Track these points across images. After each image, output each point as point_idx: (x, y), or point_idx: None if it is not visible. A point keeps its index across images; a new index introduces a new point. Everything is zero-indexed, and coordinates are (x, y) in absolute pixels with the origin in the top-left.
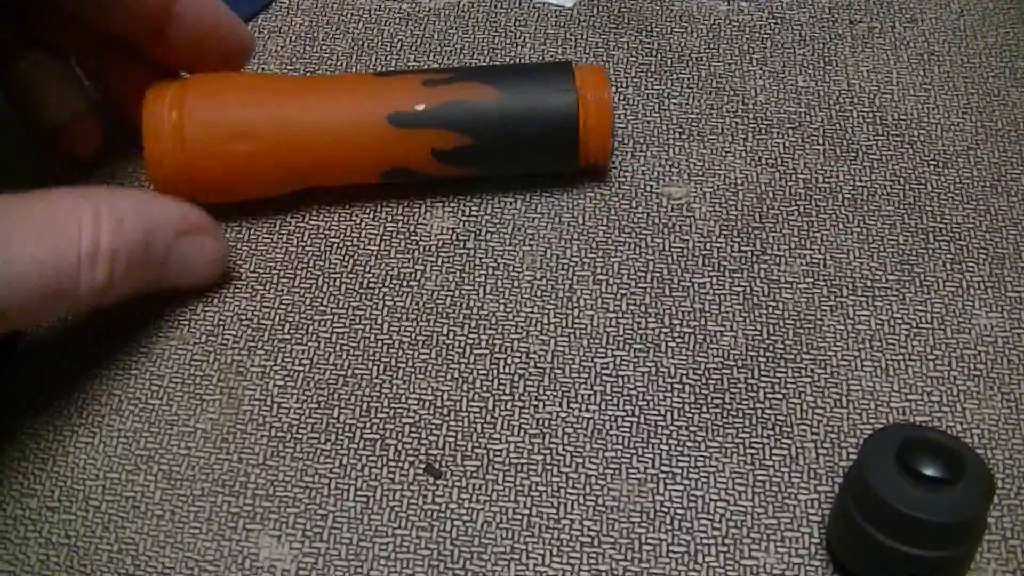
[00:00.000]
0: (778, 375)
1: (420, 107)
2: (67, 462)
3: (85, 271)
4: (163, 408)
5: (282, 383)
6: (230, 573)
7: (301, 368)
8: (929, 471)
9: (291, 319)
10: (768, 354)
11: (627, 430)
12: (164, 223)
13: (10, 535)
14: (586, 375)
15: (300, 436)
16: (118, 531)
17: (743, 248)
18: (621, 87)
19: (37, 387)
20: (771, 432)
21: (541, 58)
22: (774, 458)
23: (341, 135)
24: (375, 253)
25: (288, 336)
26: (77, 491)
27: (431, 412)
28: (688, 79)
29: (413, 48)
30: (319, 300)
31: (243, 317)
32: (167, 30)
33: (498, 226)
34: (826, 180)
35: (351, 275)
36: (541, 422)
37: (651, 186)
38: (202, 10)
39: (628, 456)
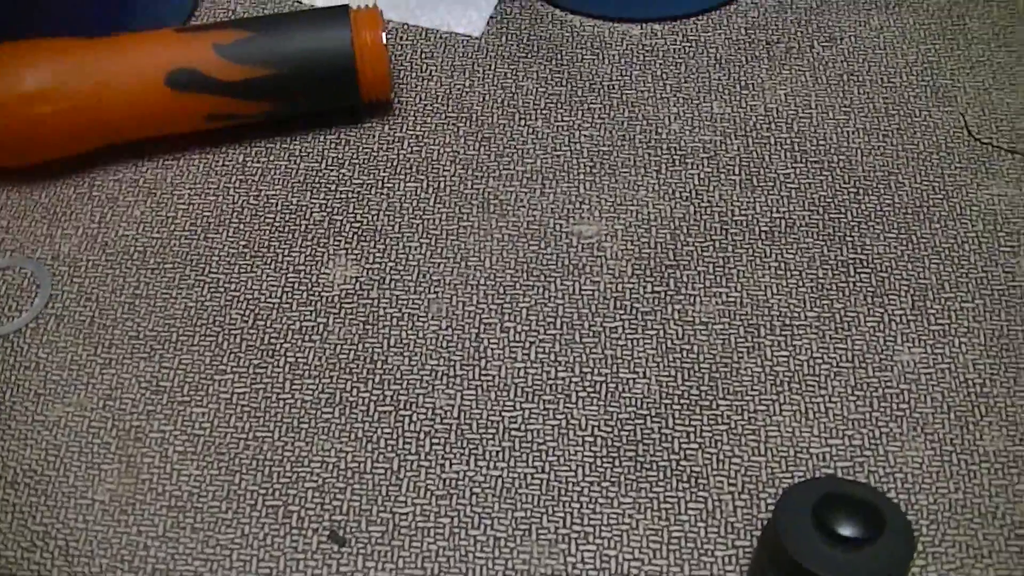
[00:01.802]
0: (693, 423)
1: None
2: None
3: None
4: (60, 480)
5: (182, 449)
6: None
7: (201, 432)
8: (846, 531)
9: (191, 380)
10: (682, 401)
11: (537, 488)
12: None
13: None
14: (494, 431)
15: (200, 505)
16: None
17: (656, 288)
18: (530, 120)
19: None
20: (686, 485)
21: (449, 92)
22: (690, 512)
23: (128, 44)
24: (277, 306)
25: (188, 398)
26: None
27: (335, 475)
28: (599, 108)
29: None
30: (219, 359)
31: (142, 379)
32: None
33: (403, 273)
34: (742, 212)
35: (252, 330)
36: (448, 482)
37: (561, 224)
38: None
39: (538, 516)
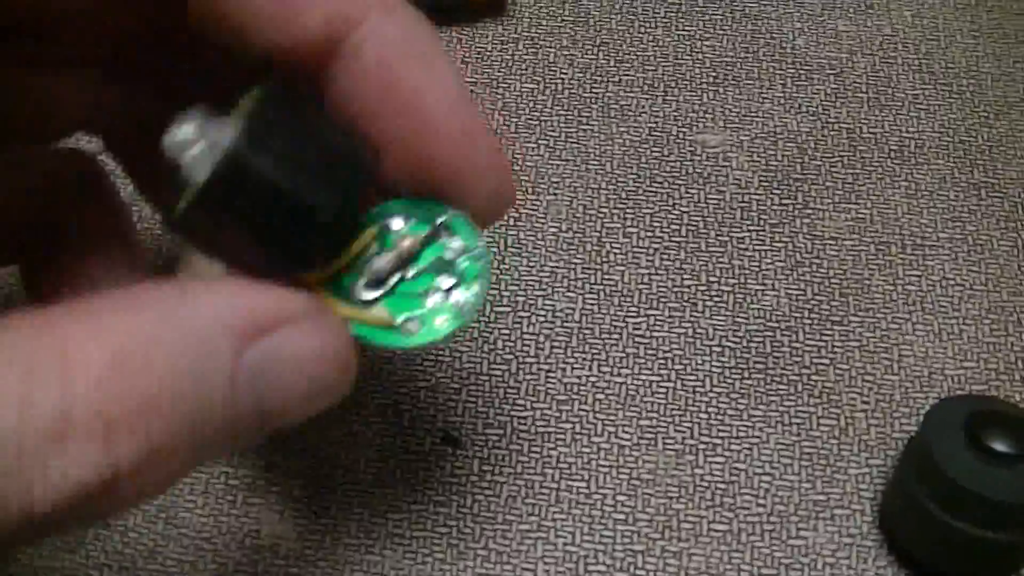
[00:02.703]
0: (824, 338)
1: None
2: None
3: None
4: None
5: None
6: (229, 552)
7: None
8: (1002, 447)
9: None
10: (813, 315)
11: (663, 397)
12: (206, 335)
13: None
14: (618, 336)
15: None
16: None
17: (784, 201)
18: (649, 27)
19: None
20: (818, 400)
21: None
22: (822, 429)
23: None
24: None
25: None
26: None
27: (448, 375)
28: (721, 20)
29: None
30: None
31: None
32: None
33: (520, 172)
34: (870, 131)
35: None
36: (569, 387)
37: (684, 133)
38: (398, 71)
39: (664, 425)
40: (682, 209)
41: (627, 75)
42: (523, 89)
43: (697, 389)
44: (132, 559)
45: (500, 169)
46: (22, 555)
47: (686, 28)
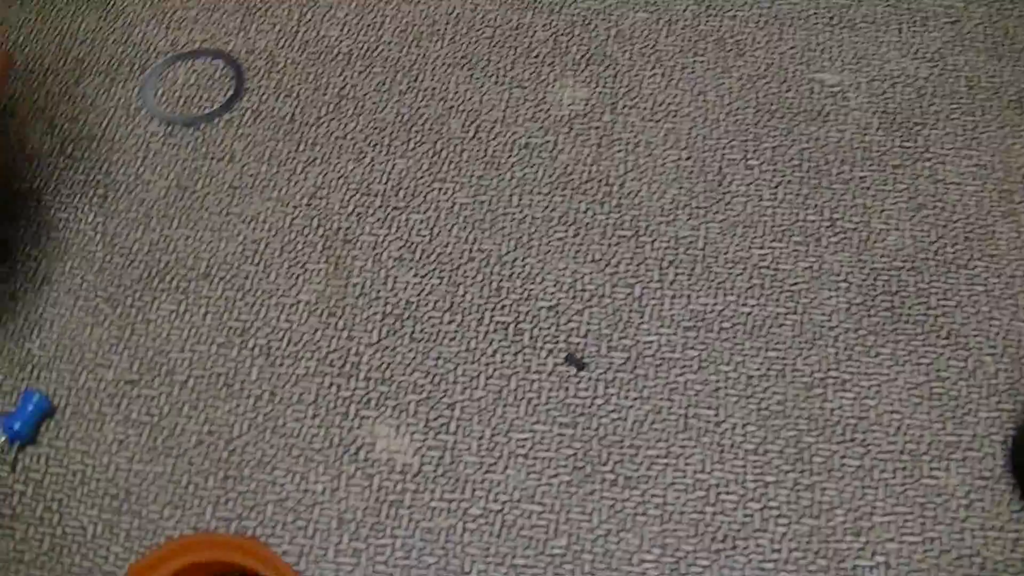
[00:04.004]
0: (950, 281)
1: None
2: (147, 331)
3: None
4: (260, 276)
5: (397, 255)
6: (342, 464)
7: (419, 239)
8: None
9: (406, 186)
10: (938, 257)
11: (790, 329)
12: None
13: (83, 409)
14: (742, 266)
15: (420, 315)
16: (208, 411)
17: (904, 143)
18: None
19: (112, 242)
20: (946, 342)
21: None
22: (950, 370)
23: None
24: (500, 120)
25: (403, 204)
26: (160, 364)
27: (570, 296)
28: None
29: None
30: (437, 167)
31: (350, 180)
32: None
33: (637, 100)
34: (989, 80)
35: (473, 142)
36: (695, 314)
37: (801, 70)
38: None
39: (792, 357)
40: (802, 146)
41: (741, 11)
42: (636, 18)
43: (824, 324)
44: (239, 467)
45: None
46: (120, 459)
47: None
